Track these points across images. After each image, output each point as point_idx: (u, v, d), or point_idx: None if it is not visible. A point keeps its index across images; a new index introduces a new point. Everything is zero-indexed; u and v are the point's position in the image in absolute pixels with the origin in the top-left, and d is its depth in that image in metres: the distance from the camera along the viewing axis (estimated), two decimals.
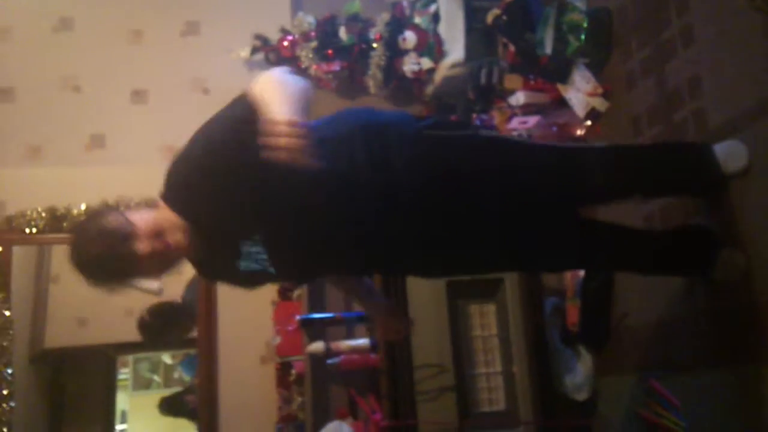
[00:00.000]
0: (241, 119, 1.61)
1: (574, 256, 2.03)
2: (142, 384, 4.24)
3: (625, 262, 2.15)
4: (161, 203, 1.71)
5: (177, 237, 1.65)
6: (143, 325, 3.68)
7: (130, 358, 4.24)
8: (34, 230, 3.43)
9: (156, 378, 4.27)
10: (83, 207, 3.43)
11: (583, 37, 2.82)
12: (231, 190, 1.63)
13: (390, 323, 2.17)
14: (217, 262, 1.81)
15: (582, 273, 2.71)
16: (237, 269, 1.76)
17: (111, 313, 3.78)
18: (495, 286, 2.73)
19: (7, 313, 3.40)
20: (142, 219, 1.65)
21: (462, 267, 2.07)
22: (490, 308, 2.78)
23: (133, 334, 3.86)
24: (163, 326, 3.70)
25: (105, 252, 1.59)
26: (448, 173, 1.77)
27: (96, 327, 3.76)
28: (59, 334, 3.77)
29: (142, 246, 1.61)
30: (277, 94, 1.55)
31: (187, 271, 1.88)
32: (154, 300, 3.64)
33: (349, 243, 1.75)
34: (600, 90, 2.81)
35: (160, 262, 1.66)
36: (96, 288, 1.66)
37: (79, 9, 3.74)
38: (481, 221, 1.81)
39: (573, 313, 2.75)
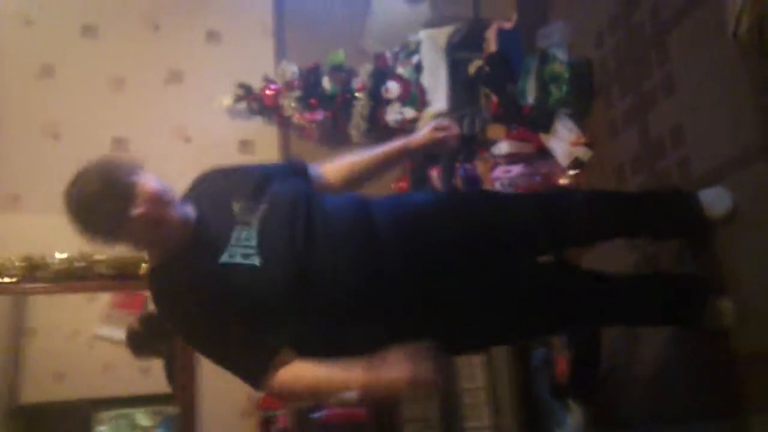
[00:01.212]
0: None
1: (562, 319, 1.97)
2: None
3: (612, 317, 2.10)
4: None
5: (174, 212, 1.63)
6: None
7: (107, 415, 4.13)
8: (8, 280, 3.32)
9: None
10: (61, 256, 3.34)
11: (564, 87, 2.84)
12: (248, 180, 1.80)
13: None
14: (199, 258, 1.68)
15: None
16: (216, 268, 1.65)
17: (89, 368, 3.70)
18: None
19: None
20: (148, 181, 1.61)
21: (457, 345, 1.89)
22: (478, 360, 2.74)
23: (110, 390, 3.77)
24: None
25: (97, 197, 1.56)
26: (431, 235, 1.78)
27: (73, 382, 3.66)
28: (36, 389, 3.66)
29: (137, 207, 1.57)
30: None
31: None
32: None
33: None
34: (583, 139, 2.83)
35: (147, 231, 1.61)
36: (75, 229, 1.60)
37: (61, 56, 3.72)
38: (464, 289, 1.78)
39: (562, 365, 2.70)
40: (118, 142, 3.69)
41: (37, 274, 3.32)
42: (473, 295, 1.77)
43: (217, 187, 1.81)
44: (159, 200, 1.61)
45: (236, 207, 1.72)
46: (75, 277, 3.34)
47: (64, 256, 3.32)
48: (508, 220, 1.89)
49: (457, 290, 1.76)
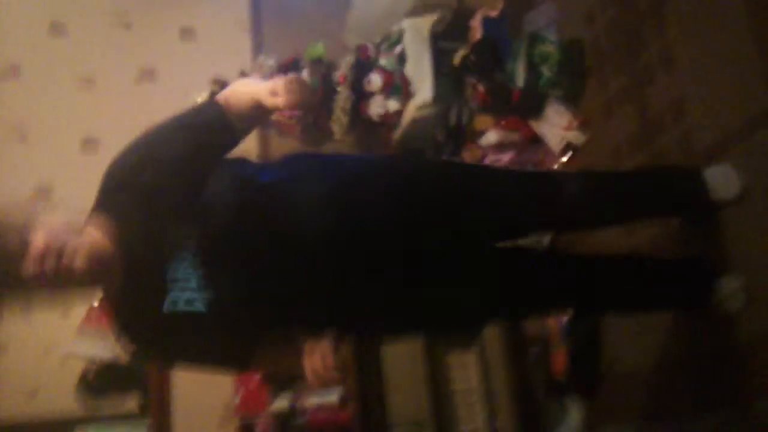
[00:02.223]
0: (207, 125, 1.65)
1: (553, 298, 1.84)
2: None
3: (609, 302, 1.94)
4: (92, 217, 1.56)
5: (79, 261, 1.43)
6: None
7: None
8: None
9: None
10: None
11: (555, 68, 2.72)
12: (176, 186, 1.55)
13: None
14: (140, 303, 1.54)
15: (566, 316, 2.53)
16: (161, 314, 1.50)
17: (64, 383, 3.55)
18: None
19: None
20: (42, 236, 1.44)
21: (434, 317, 1.76)
22: (470, 358, 2.59)
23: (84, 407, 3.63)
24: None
25: None
26: (408, 198, 1.65)
27: (48, 398, 3.55)
28: (10, 406, 3.56)
29: (28, 267, 1.41)
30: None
31: None
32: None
33: (301, 278, 1.54)
34: (575, 123, 2.69)
35: (54, 284, 1.45)
36: None
37: (27, 56, 3.59)
38: (451, 256, 1.65)
39: (560, 361, 2.55)
40: (88, 143, 3.54)
41: None
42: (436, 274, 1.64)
43: (136, 197, 1.55)
44: (52, 250, 1.42)
45: (166, 232, 1.52)
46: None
47: None
48: (488, 198, 1.74)
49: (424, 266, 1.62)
